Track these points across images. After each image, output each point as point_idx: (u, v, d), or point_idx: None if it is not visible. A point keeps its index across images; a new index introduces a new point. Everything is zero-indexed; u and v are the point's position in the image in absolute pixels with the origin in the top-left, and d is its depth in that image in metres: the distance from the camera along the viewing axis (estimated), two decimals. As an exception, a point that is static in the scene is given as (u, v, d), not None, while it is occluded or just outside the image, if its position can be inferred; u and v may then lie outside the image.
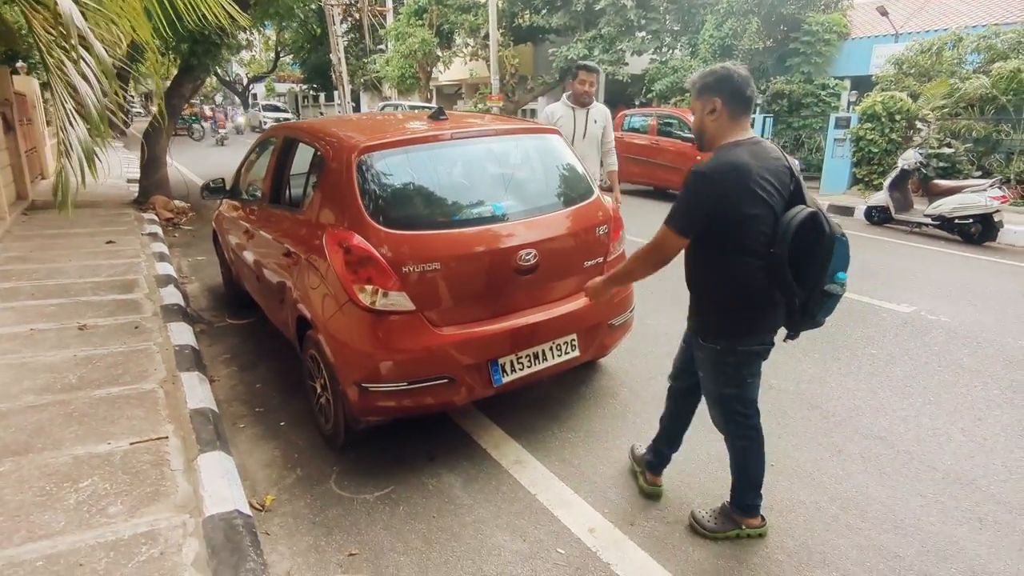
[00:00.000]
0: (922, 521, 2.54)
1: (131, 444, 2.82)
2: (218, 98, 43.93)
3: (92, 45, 2.94)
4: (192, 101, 17.21)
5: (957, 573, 2.28)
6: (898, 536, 2.45)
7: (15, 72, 10.47)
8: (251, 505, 2.58)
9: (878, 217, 9.11)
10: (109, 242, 6.66)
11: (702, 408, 2.51)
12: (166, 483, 2.55)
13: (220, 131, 23.64)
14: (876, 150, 11.15)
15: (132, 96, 10.65)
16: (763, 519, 2.47)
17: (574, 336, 3.12)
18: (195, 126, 24.23)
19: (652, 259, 2.21)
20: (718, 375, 2.29)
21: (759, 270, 2.08)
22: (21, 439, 2.81)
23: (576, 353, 3.14)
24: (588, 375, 3.80)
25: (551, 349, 3.05)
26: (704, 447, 2.95)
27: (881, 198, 8.95)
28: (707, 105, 2.14)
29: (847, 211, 10.19)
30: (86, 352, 3.77)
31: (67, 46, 3.00)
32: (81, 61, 2.98)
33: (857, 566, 2.29)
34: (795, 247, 2.03)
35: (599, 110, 4.56)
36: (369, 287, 2.65)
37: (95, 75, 3.03)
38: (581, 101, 4.47)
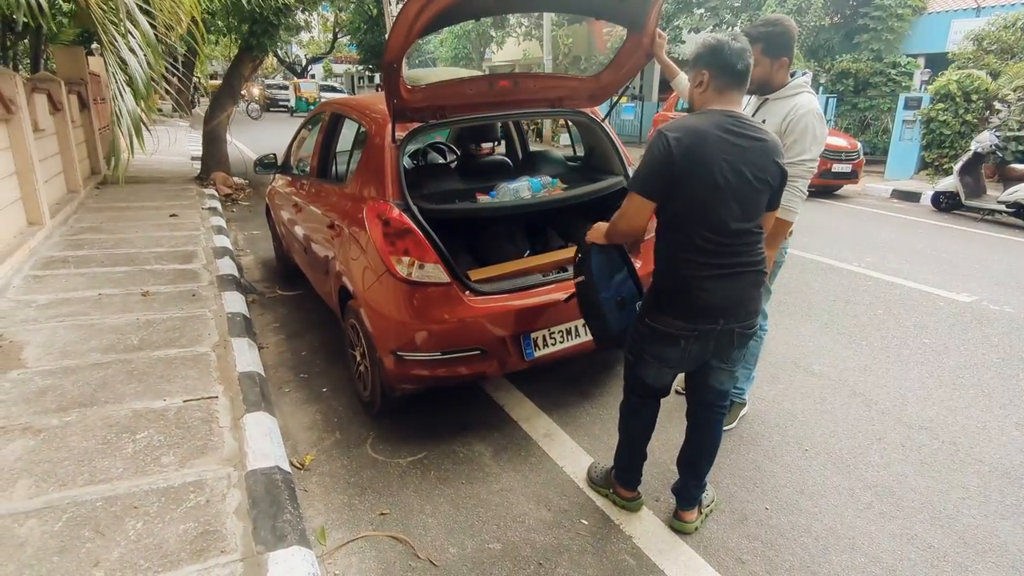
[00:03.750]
0: (962, 513, 2.46)
1: (184, 401, 3.00)
2: (278, 78, 45.15)
3: (139, 21, 3.11)
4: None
5: (996, 567, 2.20)
6: (935, 527, 2.38)
7: (90, 53, 11.05)
8: (291, 463, 2.72)
9: (946, 203, 8.66)
10: (172, 215, 7.01)
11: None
12: (214, 438, 2.71)
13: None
14: (948, 132, 10.54)
15: (199, 77, 11.07)
16: (638, 494, 2.48)
17: (608, 314, 3.12)
18: (252, 105, 25.19)
19: (620, 225, 2.09)
20: (630, 340, 2.29)
21: (687, 249, 1.98)
22: (87, 392, 3.04)
23: (610, 331, 3.14)
24: (622, 356, 3.79)
25: (584, 326, 3.06)
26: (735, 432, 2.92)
27: (950, 183, 8.48)
28: (697, 77, 2.03)
29: (913, 196, 9.71)
30: (147, 316, 4.02)
31: (115, 20, 3.19)
32: (128, 35, 3.16)
33: (887, 553, 2.24)
34: None
35: (783, 105, 2.60)
36: (406, 259, 2.72)
37: (141, 48, 3.21)
38: (750, 87, 2.82)
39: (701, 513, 2.40)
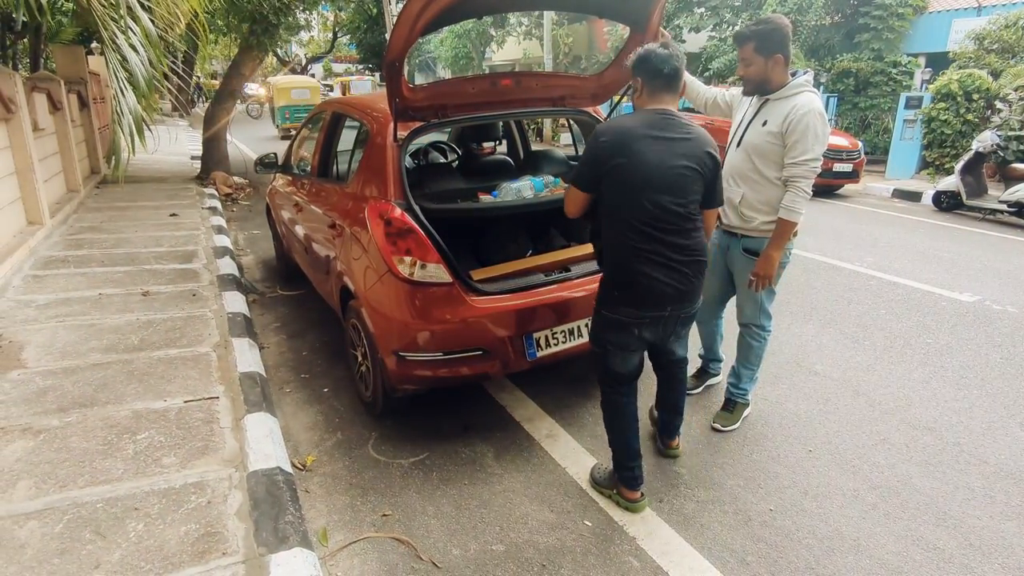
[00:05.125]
0: (967, 515, 2.44)
1: (185, 402, 2.99)
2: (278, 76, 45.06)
3: (140, 17, 3.11)
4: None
5: (1003, 569, 2.18)
6: (940, 528, 2.37)
7: (90, 52, 11.03)
8: (293, 464, 2.71)
9: (947, 203, 8.63)
10: (172, 215, 6.99)
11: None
12: (215, 439, 2.70)
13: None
14: (949, 132, 10.50)
15: (199, 76, 11.06)
16: (641, 495, 2.48)
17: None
18: (251, 105, 25.15)
19: (565, 207, 2.39)
20: (592, 331, 2.44)
21: (628, 235, 2.15)
22: (88, 393, 3.02)
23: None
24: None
25: (587, 326, 3.03)
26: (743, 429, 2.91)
27: (952, 182, 8.45)
28: (633, 84, 2.24)
29: (914, 196, 9.69)
30: (148, 316, 4.00)
31: (116, 16, 3.18)
32: (129, 32, 3.15)
33: (892, 555, 2.23)
34: None
35: (784, 105, 2.58)
36: (408, 258, 2.71)
37: (142, 46, 3.20)
38: (747, 88, 2.75)
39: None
